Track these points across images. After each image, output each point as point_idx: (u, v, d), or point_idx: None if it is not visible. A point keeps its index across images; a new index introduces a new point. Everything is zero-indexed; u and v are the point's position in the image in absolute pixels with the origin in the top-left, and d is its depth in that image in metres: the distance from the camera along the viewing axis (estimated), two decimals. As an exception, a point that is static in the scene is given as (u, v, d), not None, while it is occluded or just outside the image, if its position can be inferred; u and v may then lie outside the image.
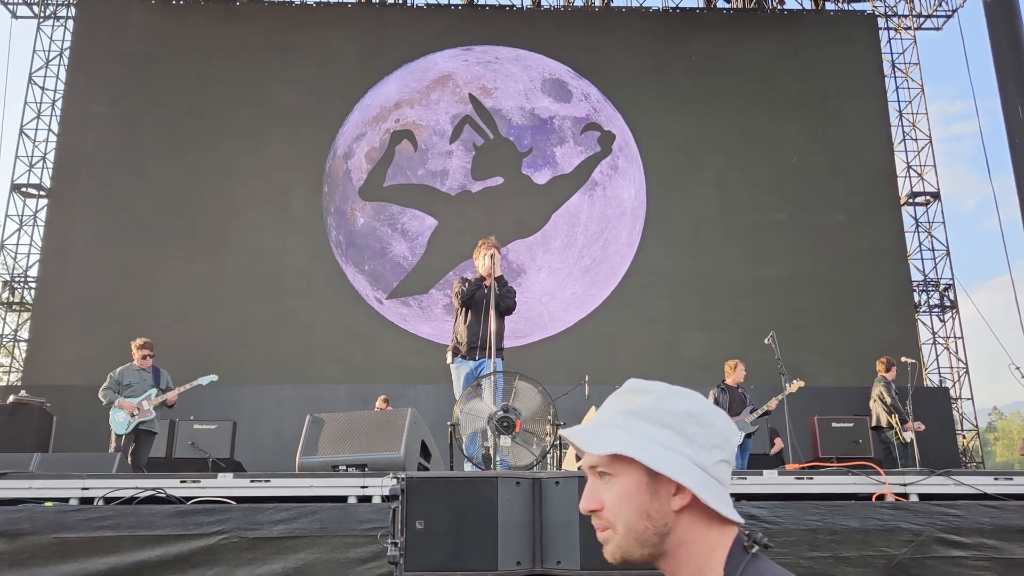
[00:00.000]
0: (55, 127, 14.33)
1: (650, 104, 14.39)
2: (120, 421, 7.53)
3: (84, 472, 4.30)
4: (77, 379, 11.56)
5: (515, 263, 13.42)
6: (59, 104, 14.40)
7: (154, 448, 9.32)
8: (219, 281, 13.21)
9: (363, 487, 4.10)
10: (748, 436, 8.22)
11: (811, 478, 4.15)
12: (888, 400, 8.92)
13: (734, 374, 8.54)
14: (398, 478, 2.66)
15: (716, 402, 8.43)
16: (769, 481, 4.08)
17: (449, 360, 5.94)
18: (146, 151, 13.75)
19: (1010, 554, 3.58)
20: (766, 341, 8.86)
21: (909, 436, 8.62)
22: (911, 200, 14.77)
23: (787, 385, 8.02)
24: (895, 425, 8.81)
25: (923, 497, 3.99)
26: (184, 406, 10.76)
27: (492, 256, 5.82)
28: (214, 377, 7.85)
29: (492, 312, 5.61)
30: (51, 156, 14.19)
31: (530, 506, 2.64)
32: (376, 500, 4.01)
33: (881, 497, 4.00)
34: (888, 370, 9.19)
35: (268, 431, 11.51)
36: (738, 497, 3.84)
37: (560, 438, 5.23)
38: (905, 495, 4.02)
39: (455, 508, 2.63)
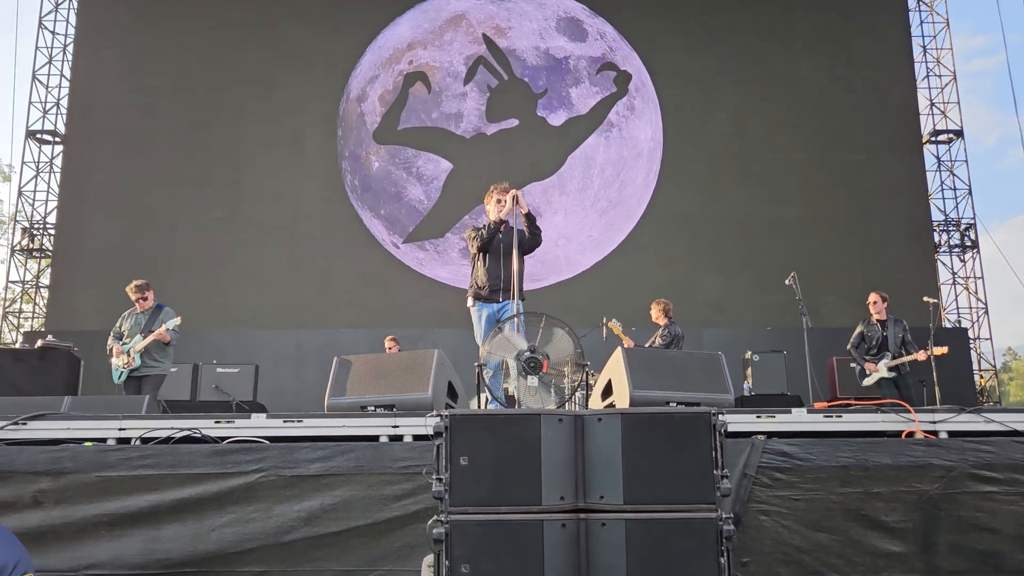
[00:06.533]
0: (67, 72, 14.21)
1: (666, 42, 14.10)
2: (114, 370, 7.31)
3: (118, 413, 4.35)
4: (98, 325, 11.63)
5: (531, 206, 13.21)
6: (70, 49, 14.26)
7: (179, 391, 9.49)
8: (235, 226, 13.22)
9: (394, 427, 4.14)
10: None
11: (840, 416, 4.16)
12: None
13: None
14: (442, 416, 2.69)
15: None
16: (798, 419, 4.10)
17: (470, 304, 5.94)
18: (158, 95, 13.63)
19: (1042, 489, 3.60)
20: (787, 282, 8.86)
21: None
22: (933, 138, 14.52)
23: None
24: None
25: (953, 434, 3.99)
26: (206, 350, 10.92)
27: (514, 197, 5.84)
28: (177, 320, 7.30)
29: (515, 253, 5.61)
30: (64, 102, 14.11)
31: (573, 442, 2.67)
32: (408, 439, 4.05)
33: (910, 435, 4.02)
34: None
35: (288, 375, 11.64)
36: (769, 434, 3.86)
37: (586, 379, 5.24)
38: (935, 432, 4.03)
39: (499, 445, 2.66)
